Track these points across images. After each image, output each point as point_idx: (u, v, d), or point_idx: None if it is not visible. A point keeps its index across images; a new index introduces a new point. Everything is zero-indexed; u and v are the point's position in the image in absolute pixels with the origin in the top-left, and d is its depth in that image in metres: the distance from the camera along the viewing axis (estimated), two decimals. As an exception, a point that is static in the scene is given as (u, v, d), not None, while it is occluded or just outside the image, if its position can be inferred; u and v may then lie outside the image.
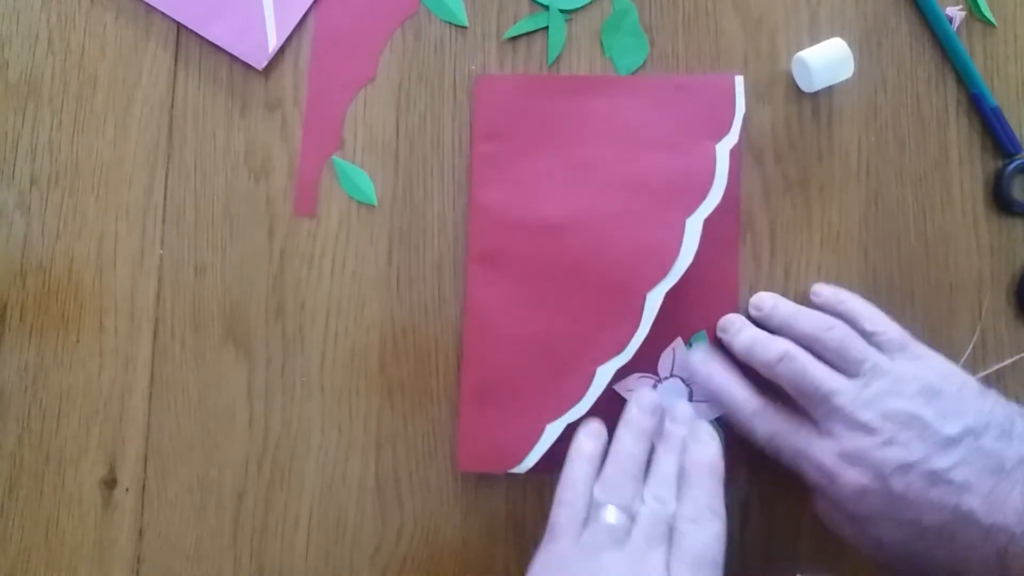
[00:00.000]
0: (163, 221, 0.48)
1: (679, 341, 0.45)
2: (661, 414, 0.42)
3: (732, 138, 0.45)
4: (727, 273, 0.46)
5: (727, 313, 0.45)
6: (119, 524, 0.46)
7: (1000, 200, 0.47)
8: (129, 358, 0.47)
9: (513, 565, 0.45)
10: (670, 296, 0.43)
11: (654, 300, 0.43)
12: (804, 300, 0.46)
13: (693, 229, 0.43)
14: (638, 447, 0.40)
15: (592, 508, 0.38)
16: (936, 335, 0.46)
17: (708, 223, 0.43)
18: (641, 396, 0.43)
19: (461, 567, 0.45)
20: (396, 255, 0.47)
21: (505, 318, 0.45)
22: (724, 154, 0.44)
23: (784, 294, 0.46)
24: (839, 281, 0.46)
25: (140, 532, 0.46)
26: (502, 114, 0.47)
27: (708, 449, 0.40)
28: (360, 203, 0.47)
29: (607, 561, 0.36)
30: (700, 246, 0.43)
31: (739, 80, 0.46)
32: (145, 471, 0.46)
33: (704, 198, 0.44)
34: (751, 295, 0.46)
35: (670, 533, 0.37)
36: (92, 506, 0.46)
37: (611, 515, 0.37)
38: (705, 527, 0.37)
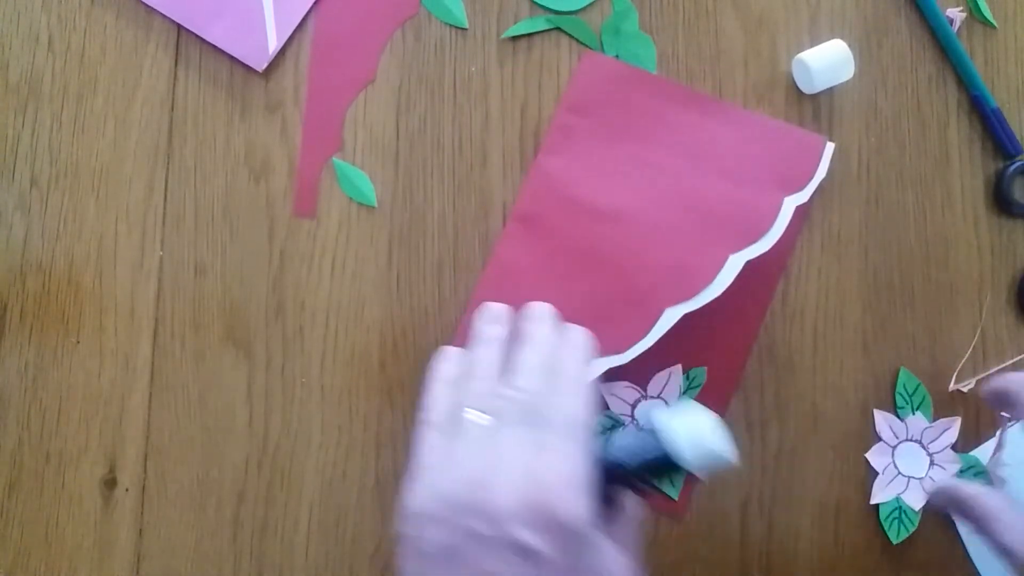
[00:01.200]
0: (163, 221, 0.48)
1: (678, 368, 0.45)
2: (510, 323, 0.40)
3: (803, 196, 0.44)
4: (749, 322, 0.46)
5: (737, 357, 0.45)
6: (119, 524, 0.46)
7: (1000, 201, 0.47)
8: (129, 358, 0.47)
9: (512, 566, 0.45)
10: (685, 322, 0.42)
11: (670, 317, 0.42)
12: (803, 301, 0.46)
13: (733, 266, 0.42)
14: (489, 353, 0.38)
15: (452, 419, 0.36)
16: (936, 336, 0.46)
17: (749, 268, 0.43)
18: (485, 308, 0.41)
19: (461, 567, 0.45)
20: (396, 256, 0.47)
21: (523, 281, 0.45)
22: (790, 208, 0.44)
23: (784, 294, 0.46)
24: (839, 281, 0.46)
25: (140, 532, 0.46)
26: (596, 93, 0.47)
27: (577, 348, 0.38)
28: (360, 204, 0.47)
29: (466, 452, 0.34)
30: (732, 286, 0.42)
31: (830, 146, 0.46)
32: (145, 471, 0.46)
33: (755, 241, 0.43)
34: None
35: (538, 417, 0.35)
36: (92, 506, 0.46)
37: (471, 415, 0.35)
38: (571, 398, 0.35)
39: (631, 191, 0.45)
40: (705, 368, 0.45)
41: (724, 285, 0.42)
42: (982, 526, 0.37)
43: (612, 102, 0.47)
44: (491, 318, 0.41)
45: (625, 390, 0.45)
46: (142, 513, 0.46)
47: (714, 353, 0.45)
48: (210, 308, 0.47)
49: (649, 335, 0.42)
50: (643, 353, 0.42)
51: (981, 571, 0.45)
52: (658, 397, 0.45)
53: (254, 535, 0.46)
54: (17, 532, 0.46)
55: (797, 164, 0.45)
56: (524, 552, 0.31)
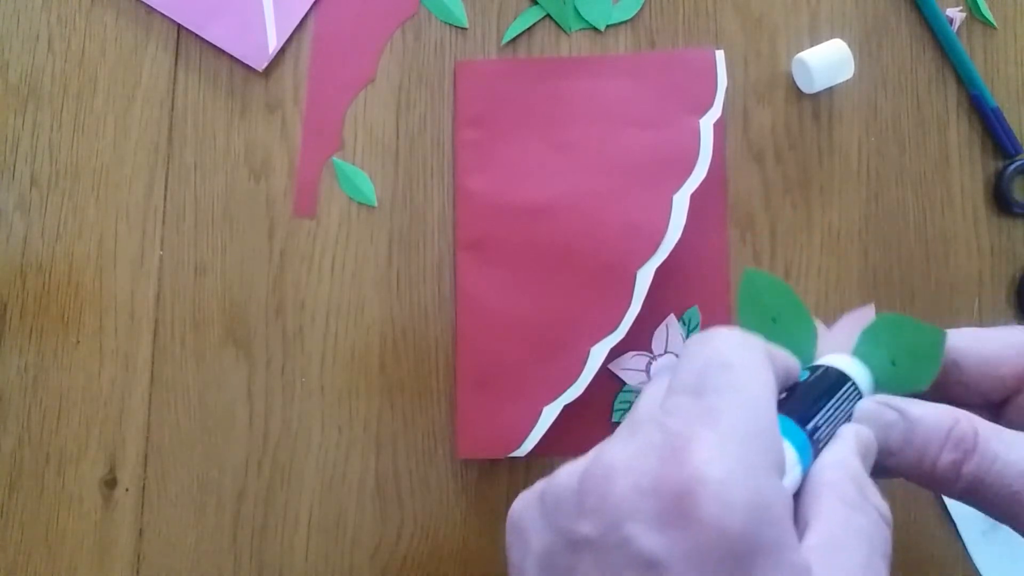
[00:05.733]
0: (163, 221, 0.48)
1: (672, 318, 0.45)
2: None
3: (715, 112, 0.45)
4: (717, 247, 0.46)
5: (718, 288, 0.45)
6: (119, 524, 0.46)
7: (1000, 201, 0.47)
8: (129, 358, 0.47)
9: (513, 565, 0.45)
10: (661, 273, 0.43)
11: (644, 277, 0.43)
12: (802, 301, 0.46)
13: (680, 205, 0.43)
14: None
15: None
16: (936, 336, 0.46)
17: (695, 198, 0.43)
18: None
19: (461, 567, 0.45)
20: (396, 256, 0.47)
21: (497, 304, 0.45)
22: (708, 129, 0.45)
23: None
24: (839, 281, 0.46)
25: (140, 532, 0.46)
26: (484, 99, 0.47)
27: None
28: (360, 204, 0.47)
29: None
30: (688, 221, 0.43)
31: (719, 54, 0.46)
32: (145, 471, 0.46)
33: (690, 173, 0.44)
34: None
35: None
36: (92, 506, 0.46)
37: None
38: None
39: (557, 177, 0.46)
40: (696, 306, 0.46)
41: (680, 226, 0.43)
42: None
43: (502, 102, 0.47)
44: None
45: (634, 359, 0.45)
46: (142, 513, 0.46)
47: (697, 289, 0.46)
48: (210, 308, 0.47)
49: (633, 303, 0.43)
50: (635, 319, 0.43)
51: (980, 569, 0.45)
52: (666, 353, 0.45)
53: (254, 535, 0.46)
54: (17, 532, 0.46)
55: (697, 84, 0.46)
56: (647, 566, 0.21)
